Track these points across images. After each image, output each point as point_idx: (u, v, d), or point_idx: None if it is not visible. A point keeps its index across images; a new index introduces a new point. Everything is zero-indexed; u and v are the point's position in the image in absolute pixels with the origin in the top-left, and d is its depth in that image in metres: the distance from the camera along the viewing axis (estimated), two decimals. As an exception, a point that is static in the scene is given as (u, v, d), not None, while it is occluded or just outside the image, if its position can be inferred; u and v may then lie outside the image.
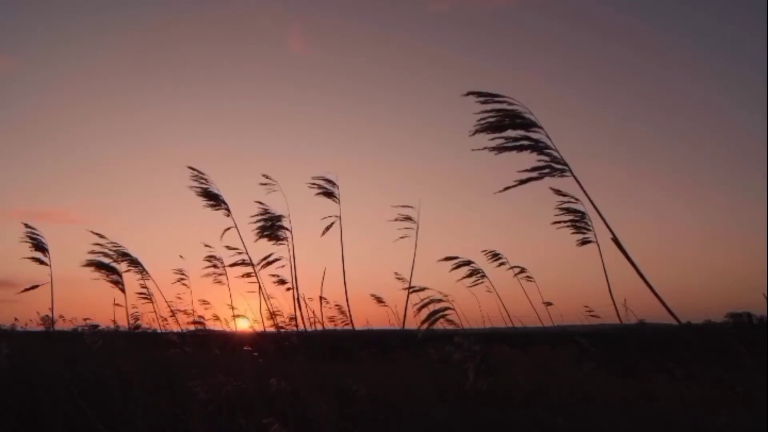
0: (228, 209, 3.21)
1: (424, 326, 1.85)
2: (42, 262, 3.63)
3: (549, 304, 3.71)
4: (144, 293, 4.16)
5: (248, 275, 3.63)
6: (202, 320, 5.14)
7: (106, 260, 3.63)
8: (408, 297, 3.08)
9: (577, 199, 2.76)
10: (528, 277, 3.72)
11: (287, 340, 4.02)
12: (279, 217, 3.25)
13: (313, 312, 4.09)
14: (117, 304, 5.01)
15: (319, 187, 3.32)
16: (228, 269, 3.93)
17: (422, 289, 2.33)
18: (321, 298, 3.78)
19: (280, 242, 3.21)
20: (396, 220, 3.37)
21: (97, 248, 3.64)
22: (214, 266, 4.05)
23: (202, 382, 3.06)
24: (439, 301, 2.12)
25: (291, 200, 3.29)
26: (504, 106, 1.45)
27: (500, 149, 1.44)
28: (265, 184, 3.26)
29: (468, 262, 3.08)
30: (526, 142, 1.45)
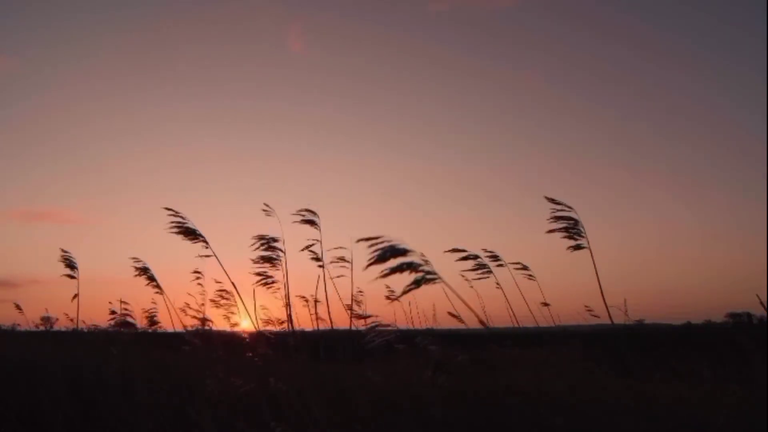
0: (206, 242, 3.47)
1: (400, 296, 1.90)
2: (73, 277, 4.48)
3: (546, 304, 3.72)
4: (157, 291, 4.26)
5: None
6: (208, 320, 5.16)
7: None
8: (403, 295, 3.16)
9: (570, 207, 2.88)
10: (530, 275, 3.72)
11: (287, 340, 4.04)
12: (274, 239, 3.54)
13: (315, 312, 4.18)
14: (123, 302, 5.02)
15: (302, 218, 3.69)
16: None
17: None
18: (315, 300, 4.08)
19: (274, 266, 3.52)
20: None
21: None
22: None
23: (210, 382, 3.08)
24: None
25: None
26: (384, 244, 1.67)
27: (387, 275, 1.66)
28: (265, 211, 3.62)
29: (475, 256, 3.23)
30: (404, 265, 1.69)
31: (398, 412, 2.49)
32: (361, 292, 5.24)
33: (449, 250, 3.19)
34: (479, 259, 3.28)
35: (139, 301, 4.98)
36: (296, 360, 3.65)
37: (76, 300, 4.55)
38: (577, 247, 2.88)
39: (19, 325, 9.90)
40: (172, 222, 3.39)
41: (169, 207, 3.38)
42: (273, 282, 3.67)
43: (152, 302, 4.61)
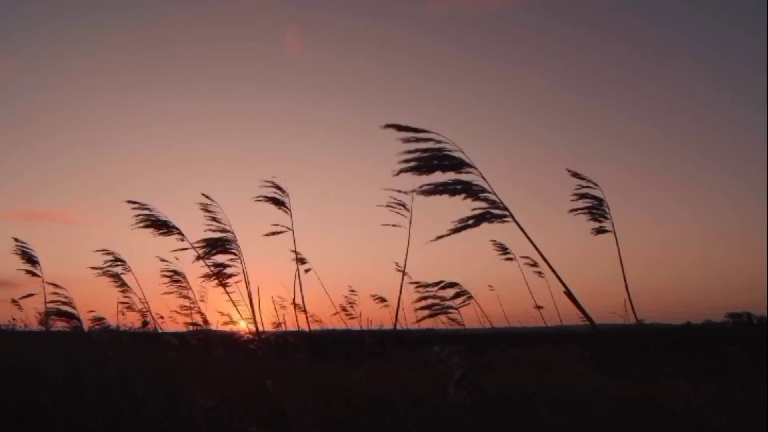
0: (181, 234, 2.99)
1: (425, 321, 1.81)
2: (34, 274, 3.87)
3: (540, 307, 3.70)
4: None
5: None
6: (203, 320, 5.14)
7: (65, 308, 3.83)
8: (400, 292, 3.06)
9: (595, 184, 2.51)
10: (539, 272, 3.68)
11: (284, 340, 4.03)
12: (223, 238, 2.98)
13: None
14: (123, 303, 5.00)
15: (266, 197, 3.05)
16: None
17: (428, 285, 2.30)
18: (294, 303, 3.65)
19: (229, 256, 2.97)
20: (388, 206, 3.17)
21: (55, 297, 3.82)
22: (175, 281, 4.00)
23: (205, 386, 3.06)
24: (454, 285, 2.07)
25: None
26: (429, 144, 1.27)
27: (430, 193, 1.27)
28: (204, 204, 2.99)
29: (453, 284, 2.96)
30: (458, 186, 1.29)
31: (397, 412, 2.49)
32: (353, 291, 5.18)
33: (415, 284, 2.95)
34: (457, 287, 3.07)
35: (136, 301, 4.96)
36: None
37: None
38: (601, 231, 2.54)
39: (19, 325, 9.89)
40: (139, 216, 2.92)
41: (134, 200, 2.90)
42: (228, 276, 3.01)
43: (143, 302, 4.50)
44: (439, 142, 1.29)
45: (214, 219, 2.96)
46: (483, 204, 1.30)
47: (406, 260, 3.11)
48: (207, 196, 2.98)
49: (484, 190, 1.30)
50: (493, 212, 1.29)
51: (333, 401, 2.71)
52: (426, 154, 1.28)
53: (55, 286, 3.80)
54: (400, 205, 3.16)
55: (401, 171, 1.26)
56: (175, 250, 3.00)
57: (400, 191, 3.15)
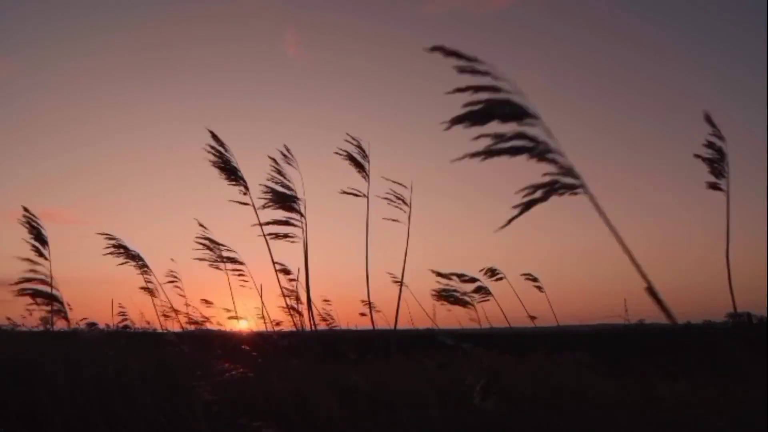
0: (246, 186, 2.95)
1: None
2: (41, 254, 3.31)
3: (533, 318, 3.70)
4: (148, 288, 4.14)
5: (241, 273, 3.52)
6: (203, 320, 5.13)
7: (43, 287, 3.13)
8: (400, 295, 3.04)
9: (723, 137, 2.36)
10: (538, 287, 3.69)
11: (286, 340, 4.02)
12: (292, 197, 2.96)
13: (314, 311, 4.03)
14: (121, 306, 5.00)
15: (348, 154, 2.96)
16: (222, 264, 3.70)
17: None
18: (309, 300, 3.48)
19: (292, 214, 2.90)
20: (386, 199, 3.09)
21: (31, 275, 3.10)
22: (210, 249, 3.76)
23: (205, 382, 3.06)
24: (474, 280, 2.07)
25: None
26: (485, 81, 1.00)
27: (487, 154, 0.99)
28: (285, 156, 2.99)
29: (473, 279, 2.96)
30: (520, 142, 1.00)
31: (398, 414, 2.48)
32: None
33: (444, 274, 2.93)
34: (478, 282, 3.06)
35: (135, 300, 4.97)
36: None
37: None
38: (714, 187, 2.34)
39: (20, 324, 9.88)
40: (215, 153, 2.90)
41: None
42: (287, 236, 2.96)
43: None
44: (497, 78, 1.00)
45: (279, 173, 2.94)
46: (552, 169, 1.00)
47: (405, 259, 3.07)
48: (287, 149, 2.99)
49: (551, 150, 1.00)
50: (564, 181, 0.99)
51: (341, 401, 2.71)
52: (481, 96, 0.99)
53: (31, 261, 3.14)
54: (398, 198, 3.09)
55: (453, 122, 0.98)
56: (234, 201, 2.94)
57: (399, 184, 3.08)
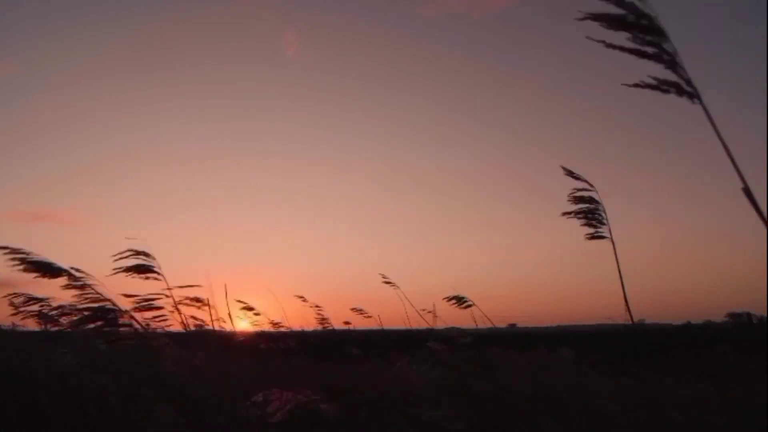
0: (71, 275, 2.60)
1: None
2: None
3: (513, 325, 3.73)
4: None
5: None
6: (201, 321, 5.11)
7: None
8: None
9: (591, 186, 2.35)
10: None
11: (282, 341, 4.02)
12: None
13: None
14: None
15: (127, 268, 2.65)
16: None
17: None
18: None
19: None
20: None
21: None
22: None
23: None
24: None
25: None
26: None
27: (623, 49, 1.12)
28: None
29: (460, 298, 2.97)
30: (652, 49, 1.13)
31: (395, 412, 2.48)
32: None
33: (444, 298, 2.95)
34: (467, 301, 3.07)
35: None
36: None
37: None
38: (596, 236, 2.35)
39: (19, 324, 9.87)
40: (14, 258, 2.47)
41: (4, 245, 2.43)
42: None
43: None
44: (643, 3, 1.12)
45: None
46: (674, 78, 1.15)
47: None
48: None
49: (679, 65, 1.14)
50: (685, 87, 1.14)
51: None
52: (622, 12, 1.12)
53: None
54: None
55: (587, 17, 1.10)
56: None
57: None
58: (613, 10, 1.11)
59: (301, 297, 5.10)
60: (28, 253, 2.53)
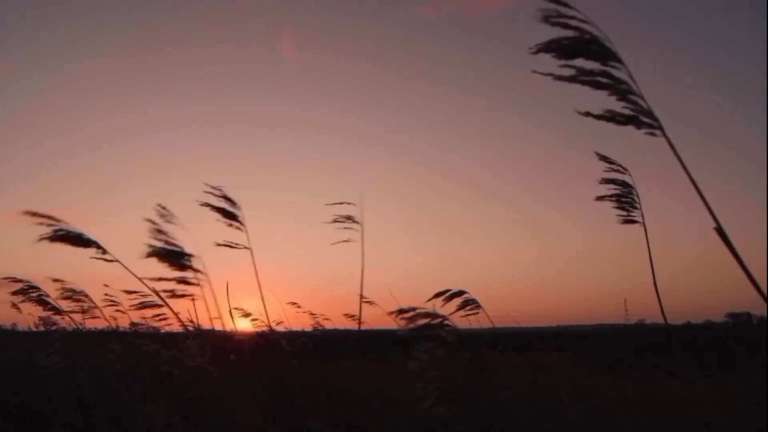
0: (99, 246, 2.55)
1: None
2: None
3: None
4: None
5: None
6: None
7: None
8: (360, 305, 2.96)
9: (625, 169, 2.30)
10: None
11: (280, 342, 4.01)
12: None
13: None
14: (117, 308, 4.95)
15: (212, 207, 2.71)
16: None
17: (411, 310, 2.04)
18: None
19: (185, 272, 2.56)
20: (335, 221, 2.95)
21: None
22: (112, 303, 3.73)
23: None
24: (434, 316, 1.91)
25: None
26: (574, 23, 1.11)
27: (569, 80, 1.09)
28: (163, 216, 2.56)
29: (460, 293, 2.73)
30: (604, 79, 1.10)
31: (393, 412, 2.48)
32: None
33: (432, 297, 2.78)
34: (466, 295, 2.83)
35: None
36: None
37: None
38: (629, 221, 2.27)
39: (19, 325, 9.88)
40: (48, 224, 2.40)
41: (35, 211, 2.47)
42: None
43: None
44: (584, 22, 1.10)
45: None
46: (630, 106, 1.10)
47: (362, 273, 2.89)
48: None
49: (632, 92, 1.10)
50: (642, 119, 1.10)
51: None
52: (570, 34, 1.10)
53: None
54: (348, 218, 2.93)
55: (539, 50, 1.09)
56: (95, 258, 2.56)
57: (347, 203, 2.95)
58: (561, 33, 1.09)
59: (295, 303, 5.11)
60: (58, 221, 2.52)
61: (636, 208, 2.24)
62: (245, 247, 2.78)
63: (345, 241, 2.94)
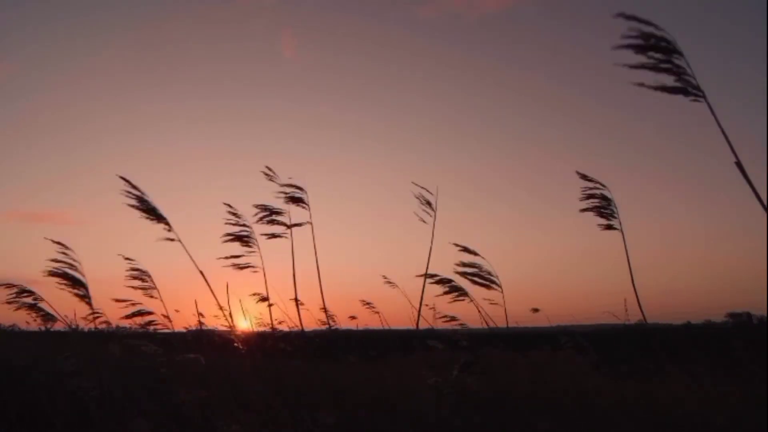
0: (168, 224, 3.03)
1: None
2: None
3: (536, 310, 3.66)
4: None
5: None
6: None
7: (71, 271, 3.20)
8: (423, 289, 3.06)
9: (603, 185, 2.68)
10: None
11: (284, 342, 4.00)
12: (279, 212, 3.27)
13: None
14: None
15: (285, 195, 3.30)
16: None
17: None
18: (296, 300, 3.63)
19: (251, 248, 3.21)
20: (418, 199, 3.28)
21: (60, 257, 3.19)
22: (142, 279, 3.86)
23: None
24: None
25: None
26: (651, 29, 1.49)
27: (639, 67, 1.47)
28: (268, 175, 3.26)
29: (448, 280, 2.98)
30: (665, 65, 1.49)
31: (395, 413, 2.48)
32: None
33: (421, 275, 3.00)
34: (453, 283, 3.06)
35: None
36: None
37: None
38: (609, 227, 2.66)
39: (19, 325, 9.87)
40: (129, 193, 2.90)
41: (126, 179, 2.85)
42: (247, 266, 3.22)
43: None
44: (660, 29, 1.50)
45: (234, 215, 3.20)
46: (682, 83, 1.49)
47: (429, 260, 3.09)
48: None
49: (687, 74, 1.49)
50: (690, 90, 1.48)
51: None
52: (645, 37, 1.48)
53: (61, 244, 3.15)
54: (427, 203, 3.25)
55: (619, 47, 1.45)
56: (164, 239, 3.05)
57: (426, 189, 3.23)
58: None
59: (296, 299, 5.09)
60: (143, 192, 2.95)
61: (615, 216, 2.63)
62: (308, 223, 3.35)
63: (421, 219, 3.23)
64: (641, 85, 1.45)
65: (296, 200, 3.32)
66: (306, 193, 3.34)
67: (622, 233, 2.63)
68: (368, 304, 4.89)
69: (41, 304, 3.47)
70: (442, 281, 2.97)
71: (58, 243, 3.21)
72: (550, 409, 2.46)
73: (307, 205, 3.35)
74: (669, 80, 1.49)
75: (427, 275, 2.97)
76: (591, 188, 2.66)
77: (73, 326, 4.65)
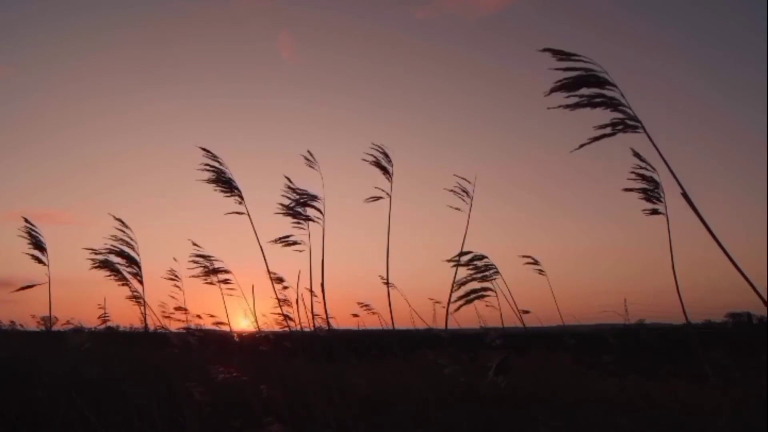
0: (241, 196, 3.01)
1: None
2: (40, 261, 3.36)
3: (526, 312, 3.59)
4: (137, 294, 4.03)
5: (227, 281, 3.63)
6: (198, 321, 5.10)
7: (127, 250, 3.21)
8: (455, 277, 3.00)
9: (653, 168, 2.46)
10: (540, 270, 3.59)
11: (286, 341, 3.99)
12: (314, 197, 3.07)
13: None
14: (101, 307, 4.91)
15: (374, 157, 3.14)
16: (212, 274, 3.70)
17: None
18: (311, 291, 3.34)
19: (300, 226, 3.04)
20: (453, 191, 3.16)
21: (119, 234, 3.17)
22: (204, 267, 3.75)
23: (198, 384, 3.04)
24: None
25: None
26: (579, 64, 1.49)
27: (575, 106, 1.48)
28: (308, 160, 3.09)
29: (481, 257, 2.89)
30: (599, 99, 1.48)
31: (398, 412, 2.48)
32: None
33: (454, 258, 2.92)
34: (486, 260, 2.99)
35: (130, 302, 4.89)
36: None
37: (44, 294, 3.34)
38: (654, 212, 2.51)
39: (20, 325, 9.88)
40: (206, 166, 2.87)
41: (205, 148, 2.83)
42: (295, 243, 3.04)
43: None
44: (588, 62, 1.50)
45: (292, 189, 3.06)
46: (620, 115, 1.48)
47: (463, 243, 3.02)
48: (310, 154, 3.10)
49: (622, 104, 1.48)
50: (628, 123, 1.47)
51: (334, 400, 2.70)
52: (575, 74, 1.49)
53: (122, 222, 3.15)
54: (464, 191, 3.20)
55: (552, 90, 1.46)
56: (232, 213, 2.98)
57: (465, 179, 3.18)
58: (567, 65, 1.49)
59: (322, 290, 5.03)
60: (221, 163, 2.92)
61: (661, 201, 2.45)
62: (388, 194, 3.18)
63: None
64: (596, 137, 1.49)
65: (381, 168, 3.17)
66: (392, 163, 3.20)
67: (668, 219, 2.47)
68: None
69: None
70: (475, 258, 2.85)
71: (118, 219, 3.19)
72: (551, 408, 2.46)
73: (391, 175, 3.19)
74: (605, 116, 1.50)
75: (462, 253, 2.84)
76: (641, 167, 2.47)
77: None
